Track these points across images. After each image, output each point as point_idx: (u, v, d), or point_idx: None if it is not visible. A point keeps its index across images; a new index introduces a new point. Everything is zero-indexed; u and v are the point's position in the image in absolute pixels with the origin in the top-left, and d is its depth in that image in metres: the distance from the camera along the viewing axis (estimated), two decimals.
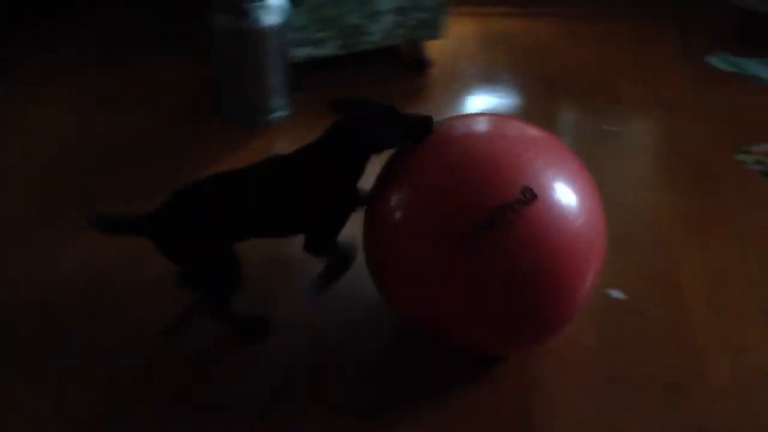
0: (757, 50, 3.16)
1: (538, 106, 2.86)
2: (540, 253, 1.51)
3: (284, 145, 2.56)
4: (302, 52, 2.74)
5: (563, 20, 3.52)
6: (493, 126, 1.73)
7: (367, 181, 1.73)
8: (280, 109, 2.66)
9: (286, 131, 2.65)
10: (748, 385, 1.74)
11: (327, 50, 2.79)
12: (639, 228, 2.21)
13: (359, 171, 1.76)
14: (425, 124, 1.69)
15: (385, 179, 1.69)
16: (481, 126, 1.74)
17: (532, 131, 1.68)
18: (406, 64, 3.09)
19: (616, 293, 1.96)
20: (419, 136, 1.68)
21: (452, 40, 3.22)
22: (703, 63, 3.13)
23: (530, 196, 1.52)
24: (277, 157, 1.79)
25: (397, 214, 1.61)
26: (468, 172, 1.56)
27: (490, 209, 1.49)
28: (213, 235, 1.74)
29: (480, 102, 2.89)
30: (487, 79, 3.02)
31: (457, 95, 2.92)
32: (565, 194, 1.56)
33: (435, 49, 3.10)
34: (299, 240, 1.77)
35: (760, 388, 1.73)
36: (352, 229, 1.76)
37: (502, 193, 1.50)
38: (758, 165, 2.50)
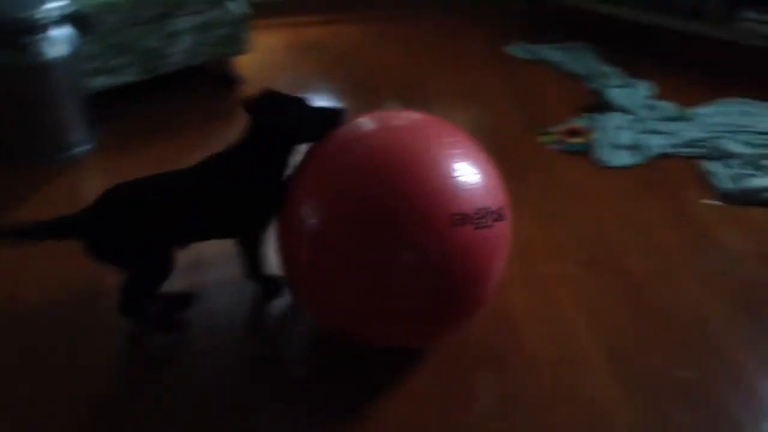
0: (549, 37, 3.36)
1: (355, 109, 2.88)
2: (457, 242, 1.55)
3: (90, 180, 2.46)
4: (99, 82, 2.62)
5: (370, 23, 3.59)
6: (394, 123, 1.74)
7: None
8: (81, 144, 2.54)
9: (90, 165, 2.53)
10: (560, 355, 1.84)
11: (126, 77, 2.69)
12: None
13: (284, 164, 1.79)
14: (337, 114, 1.74)
15: (295, 187, 1.69)
16: (383, 124, 1.74)
17: (426, 121, 1.72)
18: (215, 82, 3.04)
19: None
20: (332, 126, 1.73)
21: (261, 53, 3.20)
22: (503, 53, 3.28)
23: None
24: (207, 158, 1.82)
25: (310, 222, 1.61)
26: (376, 170, 1.57)
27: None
28: (146, 236, 1.76)
29: None
30: (300, 88, 2.99)
31: None
32: (473, 179, 1.61)
33: (243, 64, 3.07)
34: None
35: (570, 356, 1.84)
36: None
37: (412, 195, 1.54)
38: (557, 144, 2.66)
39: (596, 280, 2.08)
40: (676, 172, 2.52)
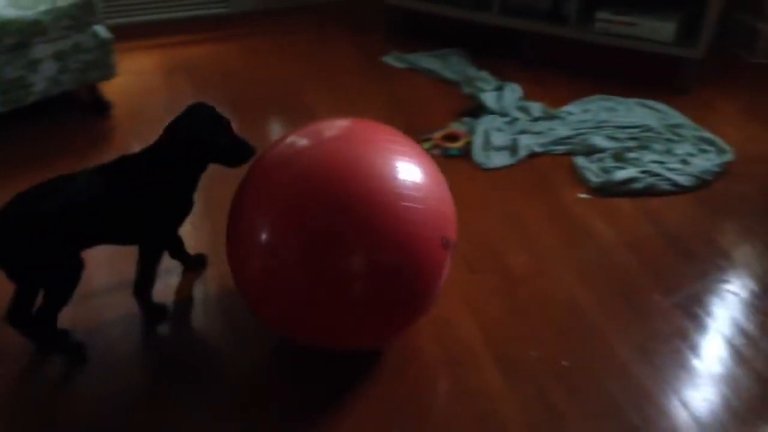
0: (423, 45, 3.43)
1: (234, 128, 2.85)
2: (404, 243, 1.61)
3: None
4: None
5: (243, 40, 3.55)
6: (332, 133, 1.76)
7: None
8: None
9: None
10: (450, 355, 1.89)
11: None
12: None
13: (194, 179, 1.85)
14: (250, 149, 1.82)
15: (242, 201, 1.72)
16: (321, 133, 1.76)
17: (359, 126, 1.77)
18: (84, 109, 2.93)
19: None
20: (244, 158, 1.81)
21: (131, 76, 3.12)
22: (380, 63, 3.33)
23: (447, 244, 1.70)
24: (121, 158, 1.84)
25: (262, 234, 1.64)
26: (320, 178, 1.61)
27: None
28: (56, 239, 1.72)
29: None
30: (174, 110, 2.92)
31: (145, 131, 2.79)
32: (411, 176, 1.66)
33: (114, 88, 2.97)
34: None
35: (459, 355, 1.89)
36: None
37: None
38: (437, 149, 2.71)
39: (480, 280, 2.14)
40: (551, 170, 2.63)
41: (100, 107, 2.91)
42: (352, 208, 1.58)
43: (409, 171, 1.67)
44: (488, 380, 1.82)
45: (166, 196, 1.82)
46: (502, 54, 3.34)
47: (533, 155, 2.69)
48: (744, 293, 2.10)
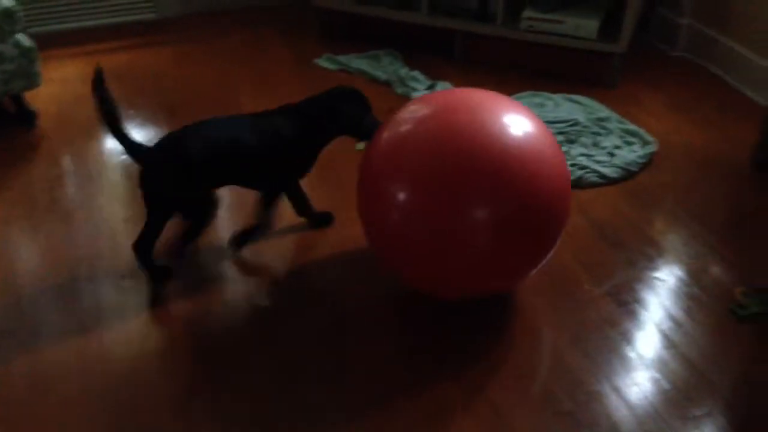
0: (355, 46, 3.44)
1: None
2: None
3: None
4: None
5: (173, 45, 3.50)
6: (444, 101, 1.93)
7: None
8: None
9: None
10: None
11: None
12: None
13: (324, 143, 2.17)
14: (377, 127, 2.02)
15: (373, 161, 1.91)
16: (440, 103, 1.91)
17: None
18: (10, 120, 2.85)
19: None
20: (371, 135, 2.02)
21: (57, 85, 3.05)
22: (312, 65, 3.33)
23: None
24: (264, 113, 2.15)
25: (396, 190, 1.82)
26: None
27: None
28: (197, 176, 1.98)
29: (110, 144, 2.78)
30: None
31: (74, 140, 2.77)
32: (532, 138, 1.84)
33: (39, 98, 2.90)
34: None
35: None
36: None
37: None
38: None
39: None
40: None
41: (25, 117, 2.83)
42: (480, 162, 1.76)
43: (523, 129, 1.84)
44: None
45: (300, 152, 2.14)
46: (433, 53, 3.37)
47: None
48: (671, 280, 2.18)
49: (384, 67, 3.28)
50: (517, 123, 1.84)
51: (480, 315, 2.03)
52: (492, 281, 1.93)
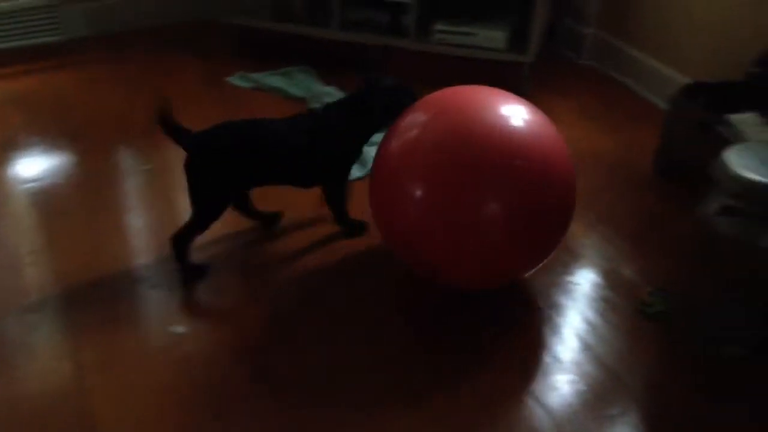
0: (269, 64, 3.42)
1: (74, 162, 2.73)
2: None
3: None
4: None
5: (80, 66, 3.40)
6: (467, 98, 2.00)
7: None
8: None
9: None
10: None
11: None
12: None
13: (368, 136, 2.20)
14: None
15: (385, 159, 1.99)
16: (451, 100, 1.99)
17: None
18: None
19: None
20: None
21: None
22: (225, 84, 3.29)
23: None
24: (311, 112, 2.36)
25: (413, 186, 1.89)
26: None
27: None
28: (242, 173, 2.08)
29: (13, 170, 2.67)
30: (6, 147, 2.79)
31: None
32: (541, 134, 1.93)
33: None
34: None
35: None
36: None
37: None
38: None
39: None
40: None
41: None
42: (490, 159, 1.84)
43: (530, 122, 1.93)
44: None
45: (349, 149, 2.20)
46: (347, 68, 3.38)
47: None
48: (586, 284, 2.22)
49: (298, 83, 3.26)
50: (523, 117, 1.94)
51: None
52: (506, 271, 2.04)
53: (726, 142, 2.16)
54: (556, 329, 2.05)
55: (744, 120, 2.23)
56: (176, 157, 2.10)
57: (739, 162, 1.78)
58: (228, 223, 2.22)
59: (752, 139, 2.15)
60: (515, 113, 1.92)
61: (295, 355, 1.95)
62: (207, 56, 3.55)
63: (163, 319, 2.06)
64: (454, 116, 1.91)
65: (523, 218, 1.87)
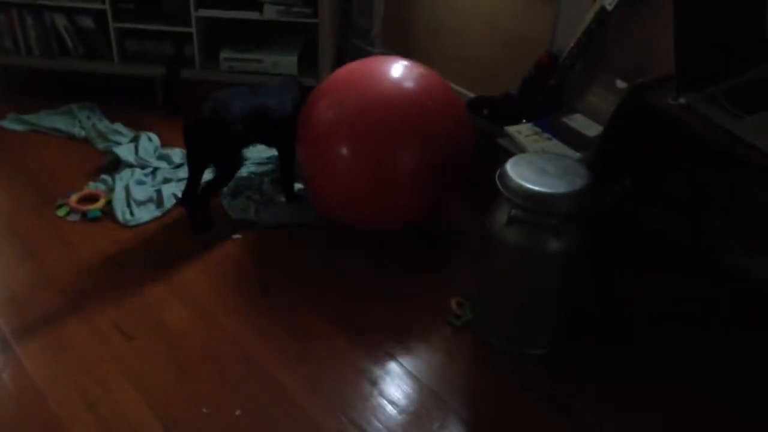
0: (46, 103, 3.18)
1: None
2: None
3: None
4: None
5: None
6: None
7: None
8: None
9: None
10: None
11: None
12: None
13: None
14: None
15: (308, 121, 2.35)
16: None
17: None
18: None
19: None
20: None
21: None
22: None
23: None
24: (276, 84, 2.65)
25: (333, 144, 2.25)
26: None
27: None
28: (238, 134, 2.41)
29: None
30: None
31: None
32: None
33: None
34: None
35: None
36: None
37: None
38: (74, 214, 2.53)
39: (142, 348, 2.03)
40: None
41: None
42: (398, 117, 2.22)
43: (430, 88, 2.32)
44: None
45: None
46: (134, 103, 3.22)
47: (178, 203, 2.63)
48: (391, 304, 2.26)
49: (81, 122, 3.05)
50: (416, 78, 2.31)
51: (213, 370, 1.95)
52: (414, 212, 2.37)
53: (507, 153, 2.30)
54: (372, 356, 2.05)
55: (519, 130, 2.38)
56: None
57: (518, 173, 1.89)
58: None
59: (529, 149, 2.30)
60: (406, 74, 2.32)
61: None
62: None
63: None
64: (362, 88, 2.29)
65: (427, 164, 2.24)
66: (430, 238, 2.50)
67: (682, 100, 1.81)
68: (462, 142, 2.35)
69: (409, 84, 2.30)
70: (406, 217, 2.39)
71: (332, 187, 2.33)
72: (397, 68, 2.34)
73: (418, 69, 2.37)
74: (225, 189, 2.62)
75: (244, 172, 2.74)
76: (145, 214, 2.55)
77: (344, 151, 2.24)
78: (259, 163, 2.82)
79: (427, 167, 2.25)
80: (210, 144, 2.38)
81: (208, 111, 2.38)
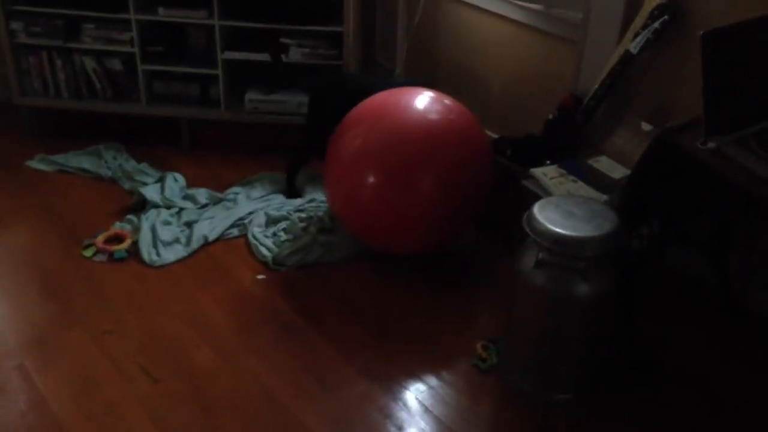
0: (73, 143, 3.22)
1: None
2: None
3: None
4: None
5: None
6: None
7: None
8: None
9: None
10: None
11: None
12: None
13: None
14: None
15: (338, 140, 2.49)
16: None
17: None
18: None
19: None
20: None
21: None
22: (24, 169, 3.05)
23: None
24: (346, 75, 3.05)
25: (359, 172, 2.38)
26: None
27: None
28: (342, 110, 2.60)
29: None
30: None
31: None
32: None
33: None
34: None
35: None
36: None
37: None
38: (100, 254, 2.54)
39: (166, 390, 2.02)
40: (227, 256, 2.60)
41: None
42: (423, 149, 2.35)
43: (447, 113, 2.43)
44: None
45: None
46: (160, 143, 3.26)
47: (207, 243, 2.65)
48: (416, 346, 2.25)
49: (108, 162, 3.09)
50: (441, 110, 2.42)
51: (238, 411, 1.94)
52: (438, 238, 2.50)
53: (532, 195, 2.30)
54: (395, 397, 2.04)
55: (545, 172, 2.38)
56: None
57: (545, 216, 1.89)
58: None
59: (554, 191, 2.29)
60: (432, 107, 2.43)
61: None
62: (1, 140, 3.28)
63: None
64: (388, 121, 2.39)
65: (448, 192, 2.37)
66: (452, 268, 2.50)
67: (711, 145, 1.81)
68: (482, 173, 2.48)
69: (433, 116, 2.43)
70: (426, 243, 2.50)
71: (356, 212, 2.47)
72: (423, 99, 2.47)
73: (445, 100, 2.49)
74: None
75: (267, 214, 2.76)
76: (171, 255, 2.56)
77: (371, 179, 2.37)
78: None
79: (446, 195, 2.38)
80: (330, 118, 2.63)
81: (329, 86, 2.80)
